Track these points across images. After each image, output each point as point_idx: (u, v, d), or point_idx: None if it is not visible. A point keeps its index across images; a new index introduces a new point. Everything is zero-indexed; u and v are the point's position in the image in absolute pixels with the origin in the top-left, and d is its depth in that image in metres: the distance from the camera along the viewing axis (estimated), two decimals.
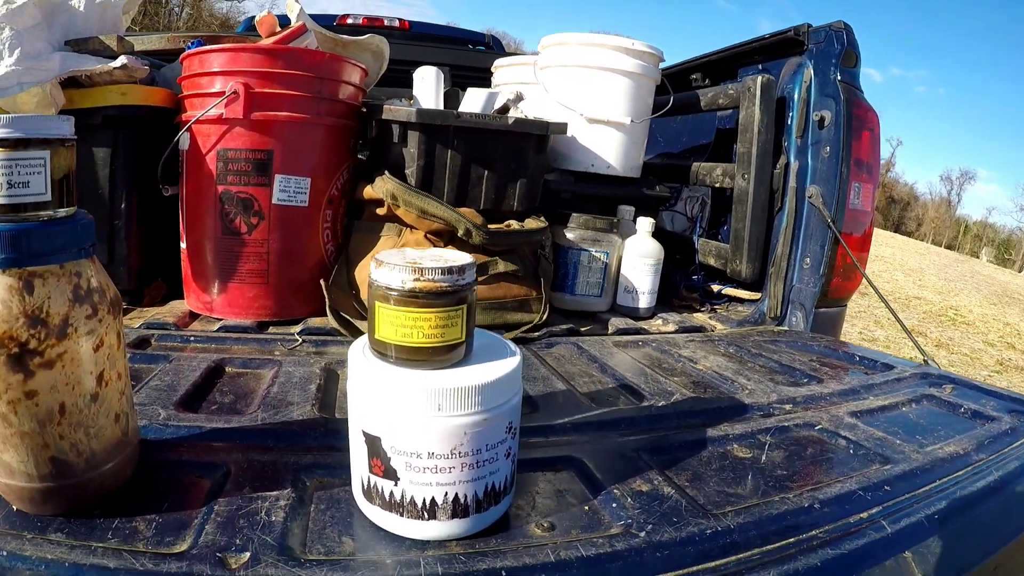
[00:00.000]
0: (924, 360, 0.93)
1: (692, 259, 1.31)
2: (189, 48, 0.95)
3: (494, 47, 2.45)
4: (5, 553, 0.37)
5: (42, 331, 0.38)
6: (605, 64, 1.14)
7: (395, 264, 0.40)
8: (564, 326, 0.99)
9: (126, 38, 0.96)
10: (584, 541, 0.42)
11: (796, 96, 1.13)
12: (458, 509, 0.41)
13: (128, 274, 0.99)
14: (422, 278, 0.40)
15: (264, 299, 0.92)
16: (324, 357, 0.77)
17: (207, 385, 0.66)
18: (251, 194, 0.89)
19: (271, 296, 0.93)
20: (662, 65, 1.23)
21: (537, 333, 0.94)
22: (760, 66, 1.26)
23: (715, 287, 1.28)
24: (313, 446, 0.53)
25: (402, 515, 0.41)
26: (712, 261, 1.26)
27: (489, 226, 0.95)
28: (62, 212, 0.41)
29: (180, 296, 1.00)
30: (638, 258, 1.12)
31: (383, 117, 0.95)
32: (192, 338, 0.82)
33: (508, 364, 0.43)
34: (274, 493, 0.45)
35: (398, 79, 1.37)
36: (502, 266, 0.95)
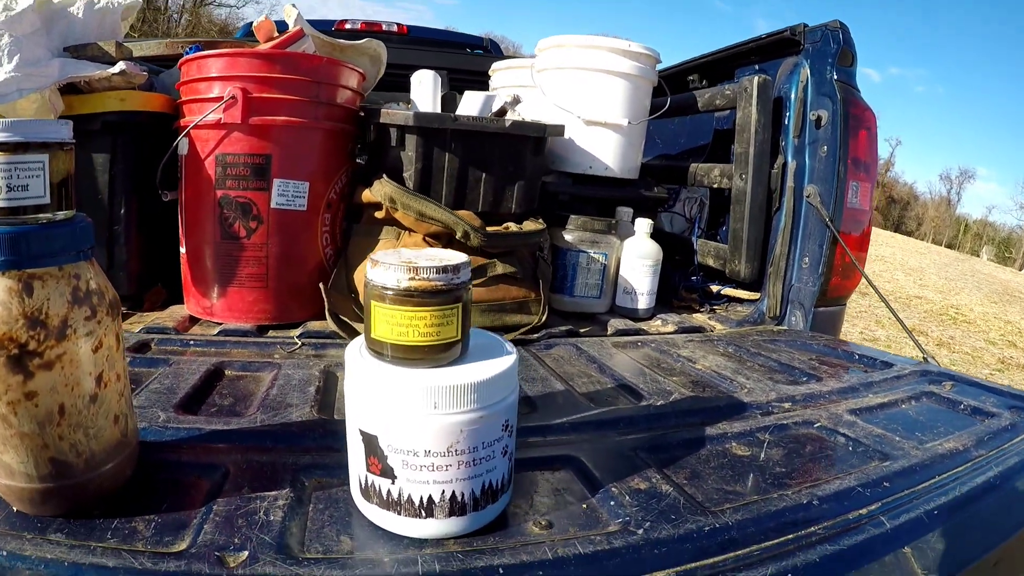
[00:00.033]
0: (924, 358, 0.93)
1: (691, 260, 1.31)
2: (187, 53, 0.96)
3: (492, 51, 2.46)
4: (5, 553, 0.37)
5: (41, 332, 0.38)
6: (602, 66, 1.15)
7: (390, 263, 0.41)
8: (563, 327, 0.99)
9: (125, 44, 0.96)
10: (582, 539, 0.42)
11: (793, 96, 1.13)
12: (455, 507, 0.41)
13: (128, 279, 0.99)
14: (417, 277, 0.40)
15: (263, 303, 0.93)
16: (323, 360, 0.78)
17: (206, 388, 0.66)
18: (250, 198, 0.90)
19: (270, 300, 0.93)
20: (659, 66, 1.23)
21: (536, 335, 0.94)
22: (757, 66, 1.27)
23: (714, 287, 1.28)
24: (312, 447, 0.53)
25: (399, 513, 0.41)
26: (711, 261, 1.26)
27: (487, 228, 0.95)
28: (61, 215, 0.41)
29: (180, 301, 1.01)
30: (637, 259, 1.12)
31: (381, 121, 0.95)
32: (192, 342, 0.82)
33: (504, 362, 0.43)
34: (272, 493, 0.46)
35: (396, 83, 1.38)
36: (501, 268, 0.95)
